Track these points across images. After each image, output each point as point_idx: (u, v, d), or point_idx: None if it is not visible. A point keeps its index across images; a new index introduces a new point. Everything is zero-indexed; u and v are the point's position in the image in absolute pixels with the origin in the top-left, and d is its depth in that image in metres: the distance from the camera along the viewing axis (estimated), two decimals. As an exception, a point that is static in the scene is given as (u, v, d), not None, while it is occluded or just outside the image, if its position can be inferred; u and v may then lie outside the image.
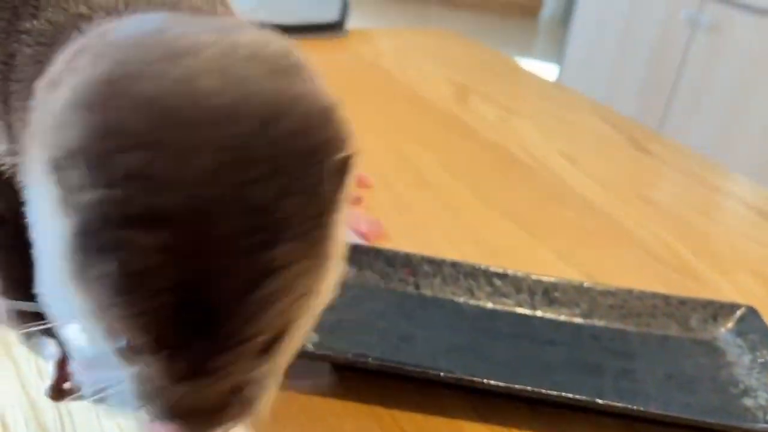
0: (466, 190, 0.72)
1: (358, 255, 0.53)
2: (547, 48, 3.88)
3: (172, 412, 0.25)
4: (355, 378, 0.45)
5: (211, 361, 0.24)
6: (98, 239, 0.22)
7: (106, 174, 0.22)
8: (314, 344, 0.44)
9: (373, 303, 0.50)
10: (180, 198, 0.22)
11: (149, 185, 0.22)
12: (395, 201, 0.68)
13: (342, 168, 0.26)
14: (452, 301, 0.51)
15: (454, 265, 0.53)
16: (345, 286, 0.50)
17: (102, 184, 0.22)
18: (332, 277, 0.29)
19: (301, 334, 0.29)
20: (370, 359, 0.42)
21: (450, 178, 0.74)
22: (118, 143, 0.22)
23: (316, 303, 0.28)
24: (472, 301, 0.52)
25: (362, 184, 0.69)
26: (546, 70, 2.67)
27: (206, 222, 0.22)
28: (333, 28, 1.12)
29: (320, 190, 0.25)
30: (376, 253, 0.53)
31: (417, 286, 0.52)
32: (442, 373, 0.42)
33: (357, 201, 0.66)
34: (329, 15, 1.14)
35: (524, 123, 0.90)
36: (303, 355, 0.44)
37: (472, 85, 1.00)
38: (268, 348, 0.26)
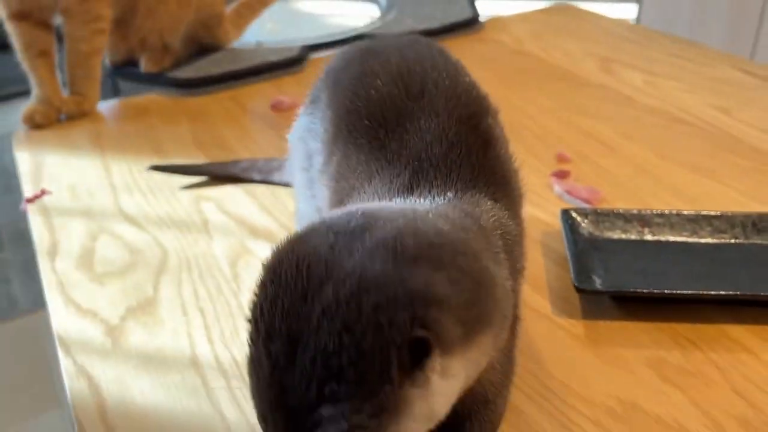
0: (646, 150, 0.86)
1: (601, 218, 0.69)
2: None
3: None
4: (632, 306, 0.61)
5: None
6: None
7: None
8: (600, 284, 0.61)
9: (624, 253, 0.66)
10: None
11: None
12: (594, 169, 0.83)
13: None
14: (683, 242, 0.67)
15: (678, 214, 0.68)
16: (602, 242, 0.66)
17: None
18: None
19: None
20: (653, 290, 0.59)
21: (628, 142, 0.88)
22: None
23: None
24: (699, 240, 0.67)
25: (563, 159, 0.85)
26: (624, 11, 2.71)
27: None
28: (470, 24, 1.27)
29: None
30: (615, 215, 0.69)
31: (653, 235, 0.68)
32: (712, 292, 0.58)
33: (566, 174, 0.82)
34: (462, 13, 1.28)
35: (669, 83, 1.03)
36: (592, 293, 0.61)
37: (610, 54, 1.13)
38: None
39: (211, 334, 0.61)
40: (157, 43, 1.08)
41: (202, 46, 1.15)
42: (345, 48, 0.61)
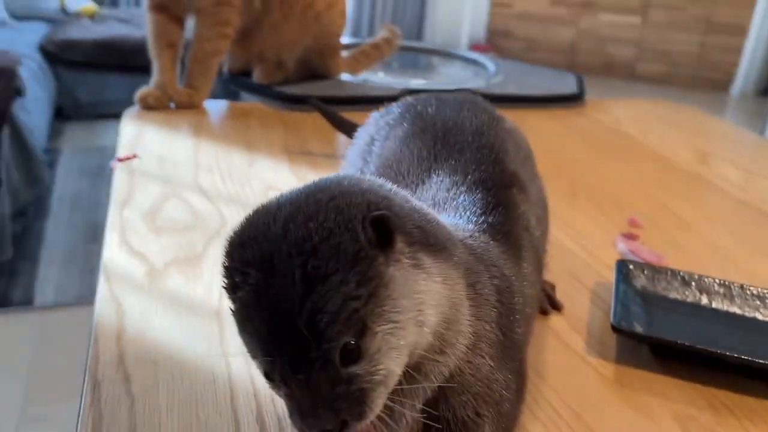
0: (724, 233, 0.82)
1: (658, 275, 0.66)
2: (739, 123, 3.78)
3: (294, 411, 0.36)
4: (672, 363, 0.57)
5: (304, 363, 0.35)
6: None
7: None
8: (639, 329, 0.58)
9: (675, 312, 0.63)
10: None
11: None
12: (665, 239, 0.80)
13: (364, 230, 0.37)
14: (743, 316, 0.63)
15: (743, 287, 0.64)
16: (653, 296, 0.63)
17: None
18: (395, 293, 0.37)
19: (391, 342, 0.37)
20: (696, 345, 0.55)
21: (708, 222, 0.85)
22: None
23: (386, 313, 0.37)
24: (764, 318, 0.62)
25: (635, 225, 0.83)
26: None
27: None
28: (573, 99, 1.28)
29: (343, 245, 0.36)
30: (673, 274, 0.66)
31: (710, 302, 0.64)
32: (760, 360, 0.54)
33: (634, 237, 0.79)
34: (569, 88, 1.30)
35: (765, 182, 0.99)
36: (628, 335, 0.57)
37: (710, 149, 1.10)
38: (352, 352, 0.36)
39: (242, 295, 0.63)
40: (273, 58, 1.16)
41: (313, 73, 1.22)
42: (403, 104, 0.65)
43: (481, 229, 0.51)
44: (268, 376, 0.38)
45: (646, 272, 0.66)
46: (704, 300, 0.64)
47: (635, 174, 0.99)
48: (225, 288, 0.39)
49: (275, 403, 0.50)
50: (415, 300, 0.38)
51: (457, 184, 0.54)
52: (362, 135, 0.67)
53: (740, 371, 0.56)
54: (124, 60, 2.97)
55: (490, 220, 0.52)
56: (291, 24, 1.13)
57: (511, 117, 1.18)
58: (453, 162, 0.56)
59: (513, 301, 0.48)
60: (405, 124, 0.61)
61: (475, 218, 0.52)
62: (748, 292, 0.64)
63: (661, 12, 4.41)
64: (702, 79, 4.39)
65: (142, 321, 0.58)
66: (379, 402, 0.38)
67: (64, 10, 3.38)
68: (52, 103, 2.91)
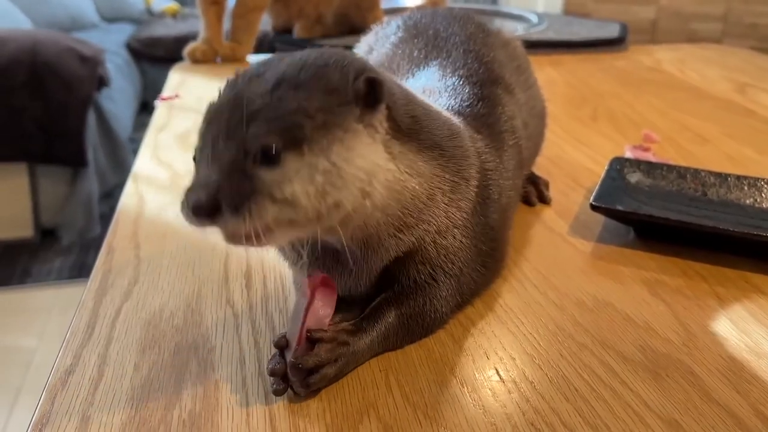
0: (746, 148, 0.81)
1: (654, 168, 0.66)
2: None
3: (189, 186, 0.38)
4: (656, 244, 0.58)
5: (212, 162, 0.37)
6: None
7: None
8: (623, 209, 0.59)
9: (666, 199, 0.63)
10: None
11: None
12: (680, 152, 0.79)
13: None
14: (737, 204, 0.62)
15: (739, 177, 0.64)
16: (646, 186, 0.64)
17: None
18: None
19: (316, 181, 0.38)
20: (671, 218, 0.56)
21: (729, 139, 0.83)
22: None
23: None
24: (757, 205, 0.62)
25: (649, 139, 0.83)
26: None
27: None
28: (616, 43, 1.27)
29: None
30: (669, 168, 0.66)
31: (704, 194, 0.64)
32: (733, 229, 0.54)
33: (646, 149, 0.79)
34: (610, 34, 1.29)
35: (806, 107, 0.96)
36: (604, 212, 0.59)
37: (752, 82, 1.07)
38: (271, 157, 0.37)
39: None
40: (312, 13, 1.22)
41: (352, 28, 1.27)
42: (401, 17, 0.69)
43: (468, 120, 0.54)
44: (195, 159, 0.40)
45: (641, 167, 0.67)
46: (699, 191, 0.64)
47: (664, 102, 0.98)
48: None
49: (264, 265, 0.55)
50: (369, 166, 0.40)
51: (445, 77, 0.58)
52: (362, 45, 0.71)
53: (722, 246, 0.56)
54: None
55: (475, 111, 0.55)
56: (328, -22, 1.19)
57: (547, 61, 1.20)
58: (442, 60, 0.60)
59: (490, 192, 0.51)
60: (400, 33, 0.65)
61: (462, 109, 0.55)
62: (744, 182, 0.64)
63: (748, -16, 4.19)
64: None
65: (158, 209, 0.65)
66: (266, 215, 0.37)
67: (149, 11, 3.60)
68: (137, 95, 3.10)
